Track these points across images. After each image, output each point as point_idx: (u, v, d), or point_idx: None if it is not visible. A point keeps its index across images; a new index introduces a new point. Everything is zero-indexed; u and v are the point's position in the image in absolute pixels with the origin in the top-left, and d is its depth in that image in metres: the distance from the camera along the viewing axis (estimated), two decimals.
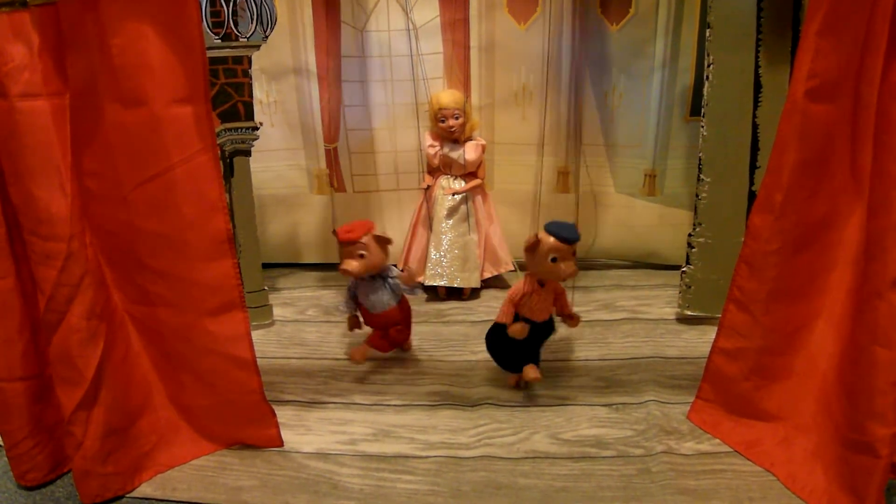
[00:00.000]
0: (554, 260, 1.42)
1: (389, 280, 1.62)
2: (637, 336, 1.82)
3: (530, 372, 1.52)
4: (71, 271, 1.17)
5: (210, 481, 1.31)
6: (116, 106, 1.16)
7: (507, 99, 2.16)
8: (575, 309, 1.62)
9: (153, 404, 1.36)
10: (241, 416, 1.37)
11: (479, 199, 2.09)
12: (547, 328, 1.58)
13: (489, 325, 1.58)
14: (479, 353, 1.75)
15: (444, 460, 1.35)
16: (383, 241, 1.54)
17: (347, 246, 1.53)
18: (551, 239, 1.41)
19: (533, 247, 1.43)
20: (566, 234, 1.41)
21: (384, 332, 1.66)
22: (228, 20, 1.67)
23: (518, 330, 1.49)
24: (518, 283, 1.52)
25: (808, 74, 1.13)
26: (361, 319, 1.70)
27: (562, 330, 1.83)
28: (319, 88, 2.11)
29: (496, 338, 1.57)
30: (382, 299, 1.62)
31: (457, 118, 1.97)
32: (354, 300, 1.66)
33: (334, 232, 1.59)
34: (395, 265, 1.73)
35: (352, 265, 1.53)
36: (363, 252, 1.52)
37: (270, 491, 1.28)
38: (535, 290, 1.49)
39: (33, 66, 1.08)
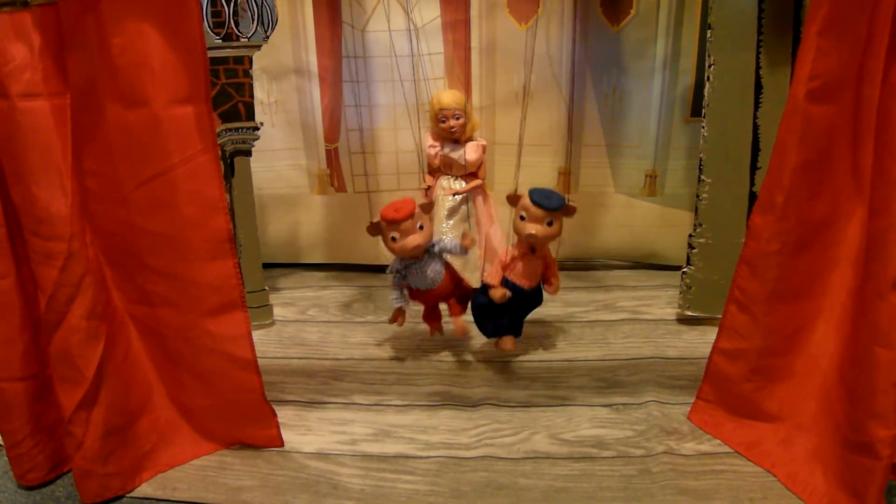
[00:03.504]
0: (522, 218, 1.48)
1: (435, 248, 1.58)
2: (637, 336, 1.82)
3: (507, 343, 1.60)
4: (71, 271, 1.17)
5: (210, 481, 1.31)
6: (117, 106, 1.15)
7: (508, 99, 2.15)
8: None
9: (153, 404, 1.36)
10: (242, 416, 1.37)
11: (479, 199, 2.08)
12: (533, 299, 1.62)
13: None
14: (480, 353, 1.75)
15: (444, 460, 1.35)
16: (428, 209, 1.50)
17: (404, 222, 1.46)
18: (526, 198, 1.47)
19: (512, 200, 1.50)
20: (537, 197, 1.46)
21: (435, 306, 1.65)
22: (229, 20, 1.67)
23: (499, 295, 1.54)
24: (510, 247, 1.56)
25: (809, 75, 1.13)
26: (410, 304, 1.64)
27: (563, 330, 1.83)
28: (320, 88, 2.11)
29: (481, 300, 1.61)
30: (437, 269, 1.58)
31: (457, 118, 1.97)
32: (402, 287, 1.58)
33: (374, 224, 1.50)
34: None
35: (417, 240, 1.47)
36: (422, 223, 1.48)
37: (271, 491, 1.28)
38: (525, 254, 1.53)
39: (34, 66, 1.08)
